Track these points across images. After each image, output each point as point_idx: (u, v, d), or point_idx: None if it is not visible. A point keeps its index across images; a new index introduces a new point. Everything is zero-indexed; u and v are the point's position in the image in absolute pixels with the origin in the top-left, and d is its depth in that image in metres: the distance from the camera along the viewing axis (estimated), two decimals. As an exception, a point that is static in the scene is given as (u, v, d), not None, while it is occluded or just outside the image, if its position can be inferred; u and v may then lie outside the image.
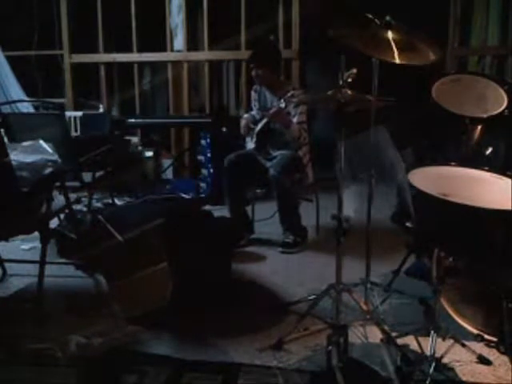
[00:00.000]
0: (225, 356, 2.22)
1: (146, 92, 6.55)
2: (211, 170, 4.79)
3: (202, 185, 4.91)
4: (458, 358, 2.14)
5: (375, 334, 2.32)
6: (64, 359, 2.18)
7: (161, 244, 2.56)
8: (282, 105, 3.36)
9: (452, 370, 2.08)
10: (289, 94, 3.34)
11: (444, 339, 2.09)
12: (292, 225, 3.58)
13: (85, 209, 3.82)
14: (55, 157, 2.85)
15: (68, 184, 3.13)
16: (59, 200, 3.15)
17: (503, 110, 2.49)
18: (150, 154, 5.33)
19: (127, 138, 5.40)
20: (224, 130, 4.92)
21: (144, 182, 5.14)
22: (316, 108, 3.78)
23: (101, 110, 5.74)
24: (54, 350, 2.23)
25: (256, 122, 3.74)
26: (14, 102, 5.09)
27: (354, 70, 2.17)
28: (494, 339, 2.18)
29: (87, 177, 3.66)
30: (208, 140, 4.80)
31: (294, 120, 3.52)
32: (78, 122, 5.39)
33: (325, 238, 3.75)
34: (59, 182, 2.91)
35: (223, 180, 3.66)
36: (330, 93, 2.19)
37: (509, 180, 2.04)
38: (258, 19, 5.43)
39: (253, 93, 3.84)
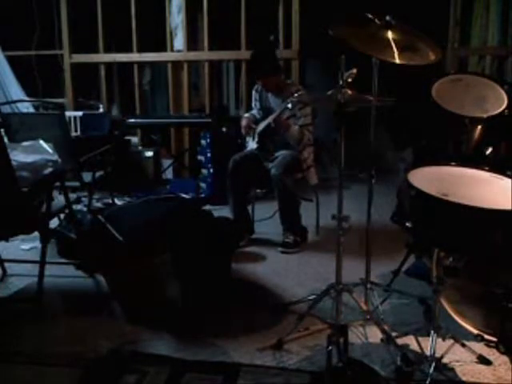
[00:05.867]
0: (225, 356, 2.22)
1: (146, 92, 6.55)
2: (211, 170, 4.79)
3: (202, 185, 4.91)
4: (458, 358, 2.14)
5: (375, 334, 2.32)
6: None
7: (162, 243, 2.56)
8: (289, 105, 3.35)
9: (452, 369, 2.08)
10: (295, 95, 3.33)
11: (444, 339, 2.09)
12: (292, 225, 3.58)
13: (85, 209, 3.82)
14: (55, 157, 2.85)
15: (68, 184, 3.13)
16: (59, 200, 3.15)
17: (503, 110, 2.49)
18: (150, 154, 5.34)
19: (127, 137, 5.41)
20: (224, 129, 4.92)
21: (144, 181, 5.14)
22: (316, 108, 3.75)
23: (101, 110, 5.75)
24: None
25: (257, 122, 3.74)
26: (14, 102, 5.10)
27: (354, 70, 2.17)
28: (494, 339, 2.17)
29: (87, 177, 3.66)
30: (208, 140, 4.81)
31: (299, 122, 3.52)
32: (78, 121, 5.40)
33: (325, 237, 3.76)
34: (59, 182, 2.91)
35: (227, 180, 3.66)
36: (330, 93, 2.19)
37: (509, 180, 2.04)
38: (258, 19, 5.45)
39: (254, 92, 3.84)
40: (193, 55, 5.61)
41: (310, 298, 2.55)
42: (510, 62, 5.11)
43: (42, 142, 2.91)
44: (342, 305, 2.26)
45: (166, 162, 5.48)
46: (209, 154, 4.81)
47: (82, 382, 2.07)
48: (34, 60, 6.02)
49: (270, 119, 3.52)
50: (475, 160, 2.40)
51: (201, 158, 4.96)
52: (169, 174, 5.50)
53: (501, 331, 2.14)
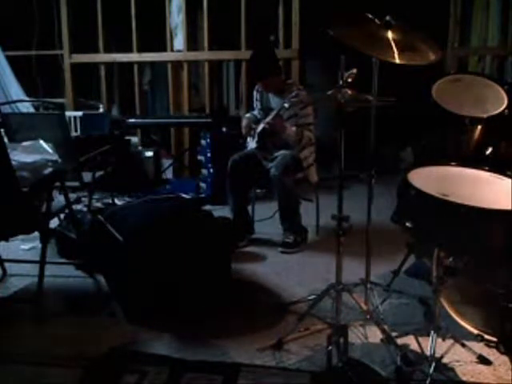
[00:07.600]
0: (225, 356, 2.22)
1: (146, 92, 6.55)
2: (211, 170, 4.79)
3: (202, 185, 4.91)
4: (458, 358, 2.14)
5: (375, 334, 2.32)
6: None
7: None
8: (286, 105, 3.35)
9: (452, 369, 2.08)
10: (293, 94, 3.34)
11: (444, 339, 2.09)
12: (292, 225, 3.58)
13: (85, 209, 3.82)
14: (55, 157, 2.85)
15: (68, 184, 3.13)
16: (59, 200, 3.15)
17: (503, 110, 2.49)
18: (150, 153, 5.33)
19: (127, 137, 5.41)
20: (224, 129, 4.92)
21: (144, 181, 5.14)
22: (317, 108, 3.76)
23: (101, 110, 5.75)
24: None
25: (257, 122, 3.74)
26: (14, 102, 5.10)
27: (354, 70, 2.17)
28: (494, 339, 2.17)
29: (87, 177, 3.66)
30: (208, 140, 4.80)
31: (300, 122, 3.52)
32: (78, 121, 5.39)
33: (325, 238, 3.75)
34: (59, 182, 2.91)
35: (226, 180, 3.66)
36: (329, 93, 2.19)
37: (509, 180, 2.04)
38: (258, 19, 5.44)
39: (255, 93, 3.83)
40: (193, 55, 5.60)
41: (310, 298, 2.56)
42: (510, 61, 5.11)
43: (42, 141, 2.91)
44: (342, 305, 2.26)
45: (166, 162, 5.48)
46: (209, 154, 4.81)
47: (81, 382, 2.07)
48: (34, 60, 6.03)
49: (264, 122, 3.53)
50: (475, 160, 2.40)
51: (201, 158, 4.96)
52: (169, 174, 5.49)
53: (501, 331, 2.14)
